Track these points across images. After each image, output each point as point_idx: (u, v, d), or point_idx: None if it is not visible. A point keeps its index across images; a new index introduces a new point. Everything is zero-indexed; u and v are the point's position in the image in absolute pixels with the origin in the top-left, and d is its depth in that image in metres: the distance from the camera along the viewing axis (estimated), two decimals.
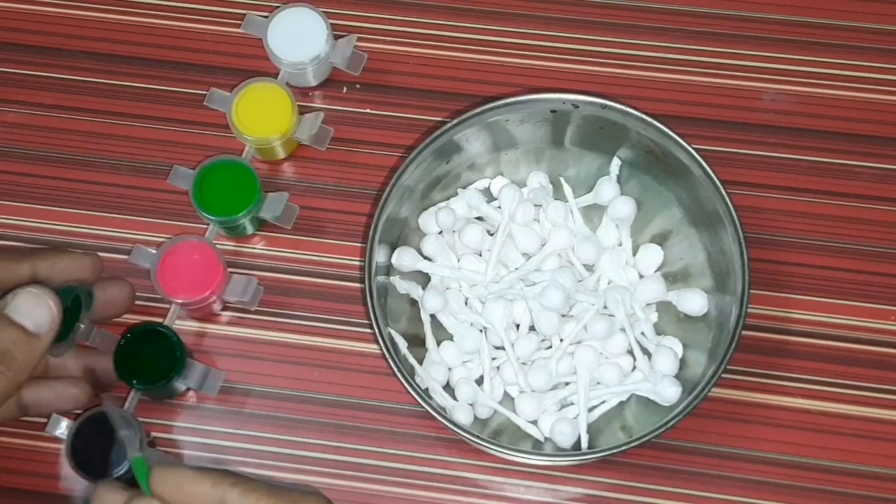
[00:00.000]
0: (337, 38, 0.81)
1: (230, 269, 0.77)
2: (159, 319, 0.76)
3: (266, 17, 0.81)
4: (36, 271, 0.69)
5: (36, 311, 0.65)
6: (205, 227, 0.79)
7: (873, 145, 0.82)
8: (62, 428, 0.72)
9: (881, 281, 0.79)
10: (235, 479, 0.59)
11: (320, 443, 0.77)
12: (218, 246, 0.77)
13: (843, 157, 0.82)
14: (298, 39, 0.80)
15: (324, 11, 0.80)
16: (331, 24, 0.80)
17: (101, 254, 0.79)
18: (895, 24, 0.85)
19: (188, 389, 0.77)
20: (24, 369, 0.65)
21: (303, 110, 0.80)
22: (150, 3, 0.86)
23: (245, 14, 0.83)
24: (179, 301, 0.75)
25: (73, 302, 0.69)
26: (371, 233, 0.72)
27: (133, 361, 0.73)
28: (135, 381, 0.73)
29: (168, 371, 0.73)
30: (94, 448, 0.71)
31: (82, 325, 0.69)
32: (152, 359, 0.73)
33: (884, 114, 0.83)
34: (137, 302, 0.76)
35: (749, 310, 0.70)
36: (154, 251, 0.75)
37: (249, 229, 0.80)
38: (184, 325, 0.78)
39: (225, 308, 0.79)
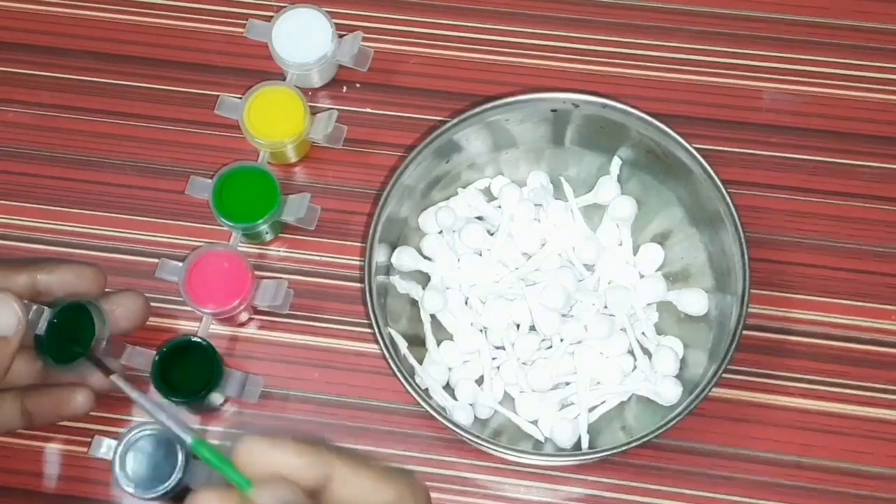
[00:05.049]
0: (341, 36, 0.81)
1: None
2: (190, 323, 0.77)
3: (270, 17, 0.81)
4: (34, 282, 0.69)
5: (1, 315, 0.64)
6: (209, 226, 0.79)
7: (874, 145, 0.82)
8: (104, 448, 0.71)
9: (881, 281, 0.79)
10: (339, 450, 0.51)
11: None
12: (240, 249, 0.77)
13: (843, 157, 0.82)
14: (304, 40, 0.80)
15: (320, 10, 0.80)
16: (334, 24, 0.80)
17: (102, 254, 0.79)
18: (895, 23, 0.85)
19: (226, 401, 0.77)
20: None
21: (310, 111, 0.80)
22: (155, 4, 0.86)
23: (249, 14, 0.83)
24: (210, 311, 0.75)
25: (80, 314, 0.68)
26: (371, 232, 0.72)
27: (171, 375, 0.73)
28: (172, 396, 0.73)
29: (206, 383, 0.73)
30: (143, 464, 0.71)
31: (104, 342, 0.69)
32: (190, 371, 0.73)
33: (884, 113, 0.83)
34: (171, 308, 0.77)
35: (749, 309, 0.70)
36: (180, 264, 0.75)
37: (271, 234, 0.80)
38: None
39: (256, 313, 0.79)
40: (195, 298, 0.74)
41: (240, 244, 0.78)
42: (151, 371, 0.73)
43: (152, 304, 0.74)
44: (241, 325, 0.79)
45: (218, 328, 0.78)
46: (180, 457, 0.71)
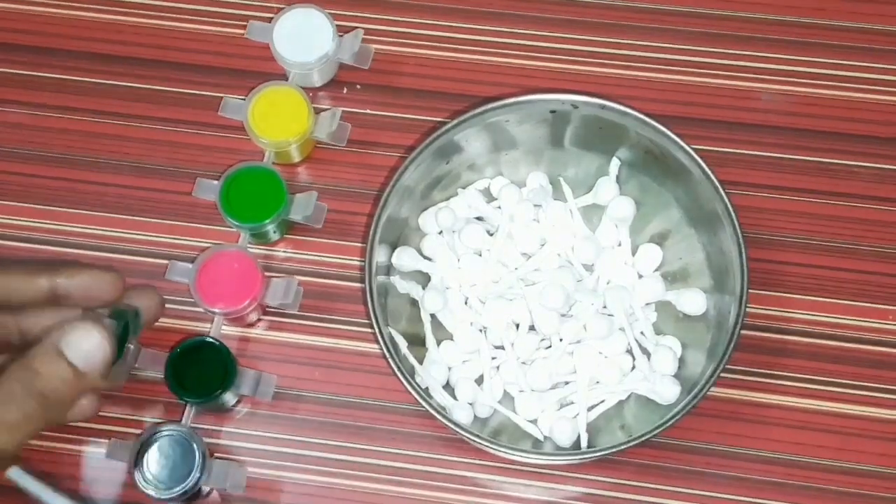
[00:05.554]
0: (342, 35, 0.81)
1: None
2: (199, 324, 0.77)
3: (270, 18, 0.81)
4: (54, 286, 0.67)
5: (91, 351, 0.62)
6: (213, 227, 0.80)
7: (871, 145, 0.82)
8: (121, 450, 0.72)
9: (880, 281, 0.80)
10: None
11: (319, 441, 0.77)
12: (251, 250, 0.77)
13: (840, 157, 0.82)
14: (305, 40, 0.80)
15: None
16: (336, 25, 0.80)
17: (106, 255, 0.80)
18: (892, 24, 0.85)
19: (239, 401, 0.77)
20: (63, 407, 0.63)
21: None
22: (155, 6, 0.86)
23: (248, 15, 0.84)
24: (221, 311, 0.75)
25: (123, 326, 0.68)
26: (371, 233, 0.73)
27: (184, 376, 0.73)
28: (186, 397, 0.73)
29: (220, 382, 0.73)
30: (161, 465, 0.71)
31: (131, 346, 0.69)
32: (203, 372, 0.73)
33: (881, 114, 0.83)
34: (180, 308, 0.77)
35: (748, 309, 0.71)
36: (190, 265, 0.75)
37: (277, 234, 0.80)
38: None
39: (265, 313, 0.79)
40: (206, 299, 0.75)
41: (248, 245, 0.78)
42: (165, 372, 0.73)
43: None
44: (250, 325, 0.79)
45: (225, 328, 0.78)
46: (198, 456, 0.71)
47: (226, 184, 0.77)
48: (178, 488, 0.70)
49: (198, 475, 0.71)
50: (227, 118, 0.79)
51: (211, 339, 0.74)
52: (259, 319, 0.79)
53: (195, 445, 0.71)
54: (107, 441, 0.73)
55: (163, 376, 0.73)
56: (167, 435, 0.71)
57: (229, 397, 0.75)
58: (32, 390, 0.60)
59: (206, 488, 0.73)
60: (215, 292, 0.75)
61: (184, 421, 0.73)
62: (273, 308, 0.77)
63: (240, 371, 0.74)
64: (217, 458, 0.74)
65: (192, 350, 0.74)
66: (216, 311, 0.75)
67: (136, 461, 0.71)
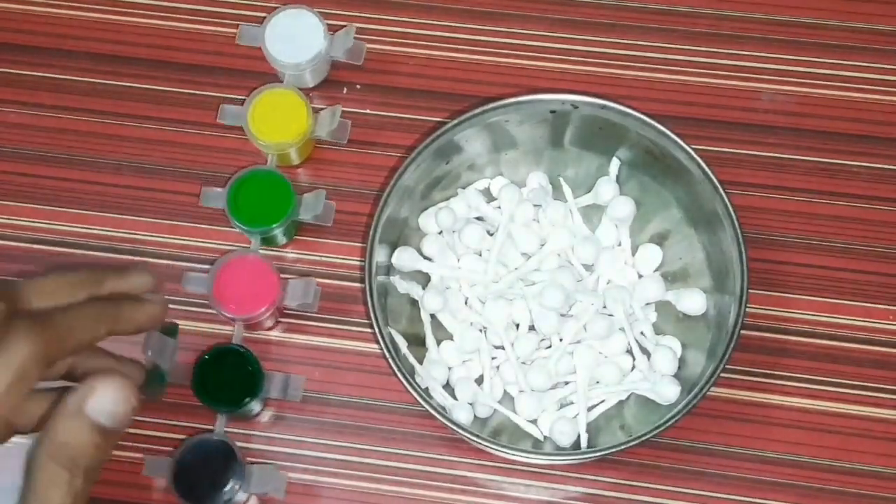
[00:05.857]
0: (332, 32, 0.81)
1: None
2: (212, 326, 0.78)
3: (262, 17, 0.81)
4: (114, 331, 0.64)
5: (117, 409, 0.59)
6: (217, 227, 0.80)
7: (871, 145, 0.82)
8: (159, 465, 0.71)
9: (880, 281, 0.80)
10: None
11: (319, 441, 0.77)
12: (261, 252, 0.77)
13: (841, 157, 0.82)
14: (296, 40, 0.80)
15: (321, 12, 0.80)
16: (327, 24, 0.80)
17: (102, 254, 0.80)
18: (892, 24, 0.85)
19: (264, 408, 0.77)
20: (98, 469, 0.60)
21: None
22: (154, 5, 0.86)
23: (249, 14, 0.84)
24: (241, 318, 0.74)
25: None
26: (371, 233, 0.73)
27: (210, 384, 0.73)
28: (215, 406, 0.73)
29: (250, 389, 0.73)
30: (198, 475, 0.71)
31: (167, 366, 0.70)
32: (229, 380, 0.73)
33: (882, 114, 0.83)
34: (196, 311, 0.78)
35: (748, 309, 0.71)
36: (205, 275, 0.75)
37: (285, 237, 0.80)
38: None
39: (283, 315, 0.79)
40: (225, 307, 0.74)
41: (260, 248, 0.78)
42: (192, 382, 0.73)
43: (178, 308, 0.74)
44: (269, 329, 0.78)
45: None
46: (236, 464, 0.71)
47: (232, 190, 0.76)
48: (217, 497, 0.70)
49: (238, 483, 0.70)
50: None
51: (236, 347, 0.74)
52: (277, 323, 0.79)
53: (232, 453, 0.71)
54: (139, 445, 0.74)
55: (190, 385, 0.73)
56: (204, 443, 0.71)
57: (256, 404, 0.75)
58: (75, 468, 0.57)
59: (244, 495, 0.73)
60: (234, 299, 0.74)
61: (217, 429, 0.73)
62: (288, 310, 0.77)
63: (267, 375, 0.74)
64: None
65: (218, 358, 0.73)
66: (237, 318, 0.75)
67: (176, 474, 0.71)
